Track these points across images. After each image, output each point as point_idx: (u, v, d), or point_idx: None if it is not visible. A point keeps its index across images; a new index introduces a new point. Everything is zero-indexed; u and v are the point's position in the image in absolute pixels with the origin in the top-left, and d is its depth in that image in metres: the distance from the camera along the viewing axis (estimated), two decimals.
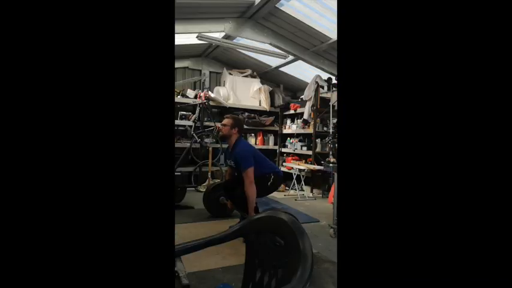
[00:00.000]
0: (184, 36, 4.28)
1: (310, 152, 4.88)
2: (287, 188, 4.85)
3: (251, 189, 2.40)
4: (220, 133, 2.73)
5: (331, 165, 3.09)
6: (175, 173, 4.08)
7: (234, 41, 4.55)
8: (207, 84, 5.63)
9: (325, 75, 4.81)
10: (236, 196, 2.67)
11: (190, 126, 4.87)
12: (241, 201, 2.51)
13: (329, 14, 3.73)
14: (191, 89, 5.36)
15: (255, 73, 5.77)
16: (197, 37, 4.00)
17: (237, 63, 5.79)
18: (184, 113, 5.06)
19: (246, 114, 5.48)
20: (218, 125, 5.01)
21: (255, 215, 1.00)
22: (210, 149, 4.30)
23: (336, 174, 2.96)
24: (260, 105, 5.62)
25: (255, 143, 5.59)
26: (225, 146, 5.14)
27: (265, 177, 2.63)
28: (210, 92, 5.11)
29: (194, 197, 4.13)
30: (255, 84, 5.58)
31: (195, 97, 5.08)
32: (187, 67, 5.58)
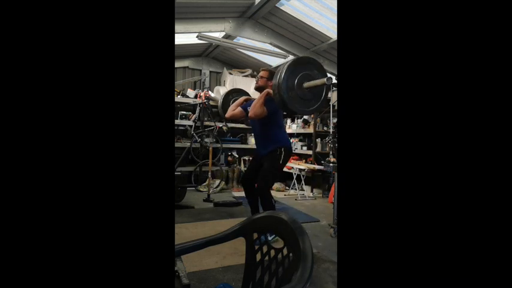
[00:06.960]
0: (184, 36, 4.29)
1: (310, 152, 4.89)
2: (287, 188, 4.85)
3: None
4: (256, 84, 2.66)
5: (331, 165, 3.09)
6: (176, 173, 4.08)
7: (234, 40, 4.54)
8: (207, 83, 5.63)
9: None
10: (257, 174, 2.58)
11: (191, 126, 4.87)
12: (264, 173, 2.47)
13: (329, 13, 3.73)
14: (191, 88, 5.36)
15: (255, 73, 5.76)
16: (197, 37, 4.00)
17: (237, 62, 5.78)
18: (184, 112, 5.06)
19: None
20: (218, 124, 5.03)
21: (255, 215, 1.00)
22: (210, 148, 4.30)
23: (336, 174, 2.96)
24: None
25: None
26: (225, 145, 5.17)
27: (275, 155, 2.50)
28: (210, 92, 5.11)
29: (194, 197, 4.14)
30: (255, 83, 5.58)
31: (195, 97, 5.08)
32: (187, 67, 5.58)
